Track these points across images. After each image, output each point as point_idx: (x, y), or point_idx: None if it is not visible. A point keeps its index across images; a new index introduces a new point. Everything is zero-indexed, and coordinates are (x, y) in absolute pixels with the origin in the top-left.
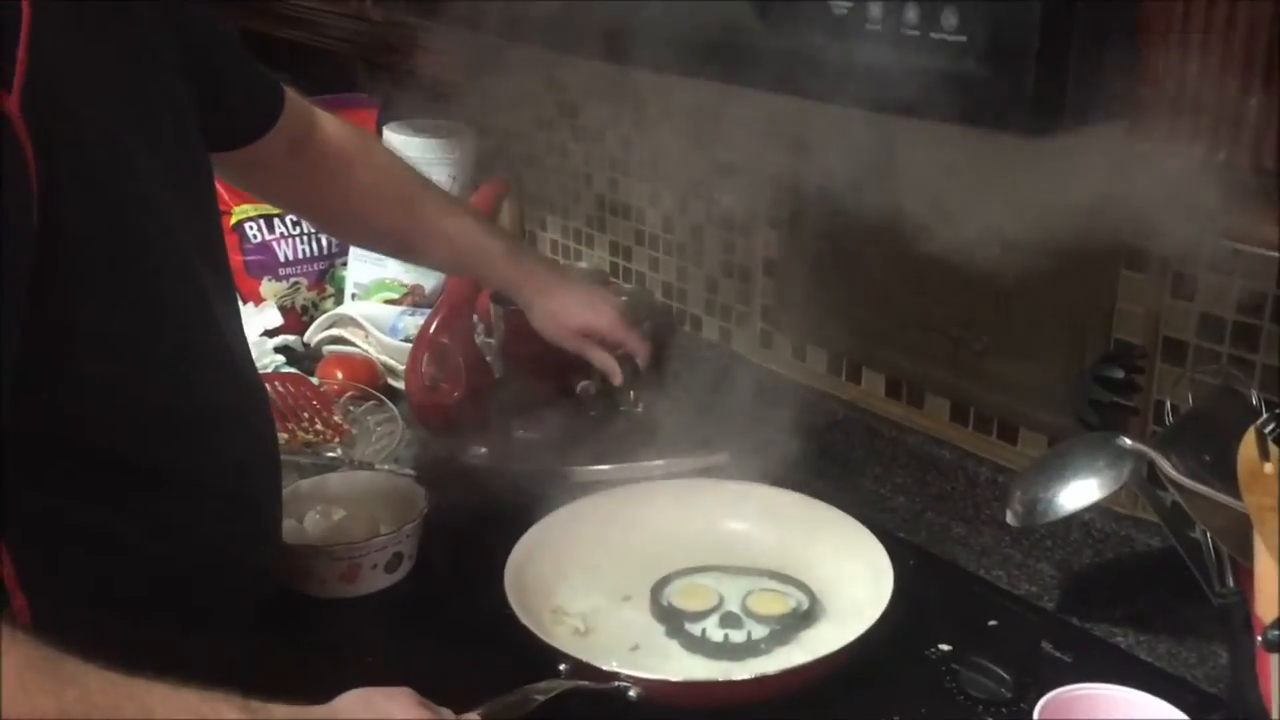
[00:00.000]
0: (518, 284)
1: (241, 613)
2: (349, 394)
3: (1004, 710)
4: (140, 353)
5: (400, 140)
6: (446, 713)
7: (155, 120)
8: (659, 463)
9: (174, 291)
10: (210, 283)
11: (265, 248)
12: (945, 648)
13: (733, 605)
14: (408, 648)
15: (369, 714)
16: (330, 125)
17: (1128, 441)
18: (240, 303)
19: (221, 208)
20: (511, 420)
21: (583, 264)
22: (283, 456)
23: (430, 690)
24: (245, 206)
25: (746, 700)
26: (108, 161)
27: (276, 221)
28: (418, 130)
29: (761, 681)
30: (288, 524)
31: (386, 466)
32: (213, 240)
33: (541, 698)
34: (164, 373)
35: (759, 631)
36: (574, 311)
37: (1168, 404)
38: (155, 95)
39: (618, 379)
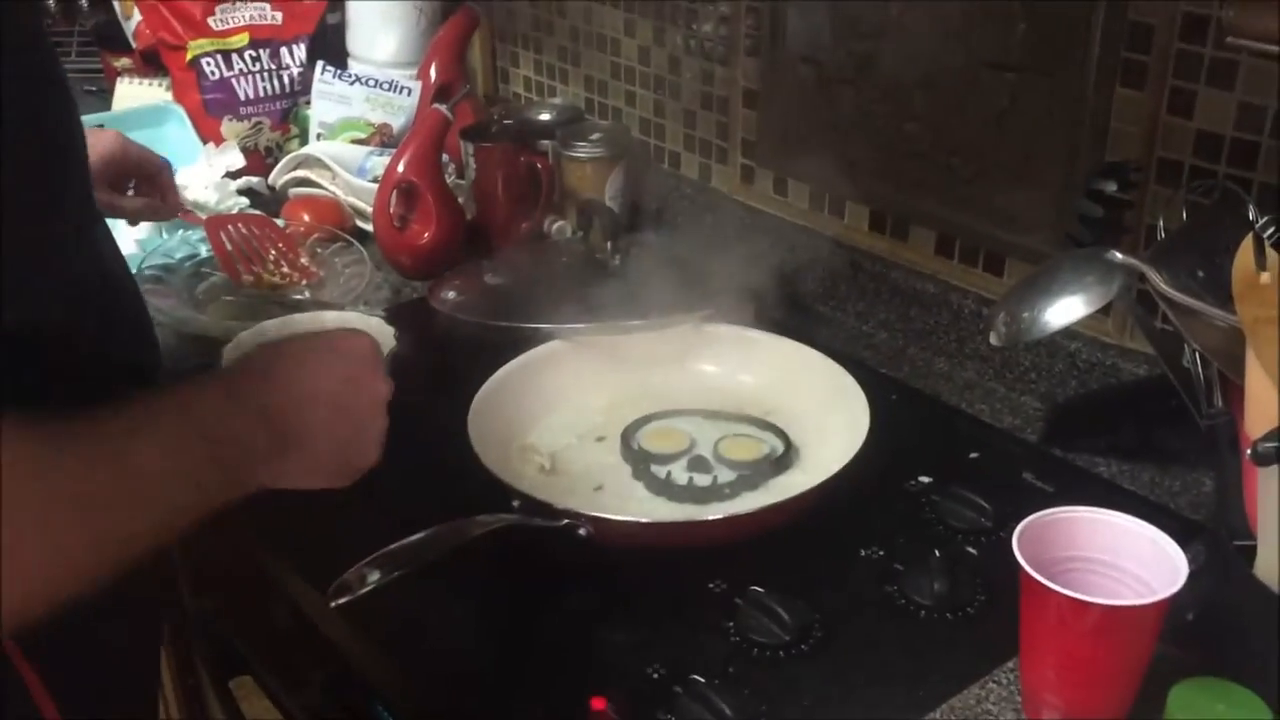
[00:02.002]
0: None
1: None
2: (316, 236)
3: (984, 540)
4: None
5: None
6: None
7: None
8: (638, 322)
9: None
10: None
11: (224, 85)
12: (925, 480)
13: (704, 450)
14: (374, 484)
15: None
16: None
17: (1118, 256)
18: (201, 144)
19: (175, 42)
20: (483, 263)
21: (557, 100)
22: (248, 299)
23: (393, 523)
24: (201, 41)
25: (698, 541)
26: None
27: (235, 57)
28: None
29: (712, 524)
30: None
31: (355, 309)
32: None
33: (479, 530)
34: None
35: (726, 476)
36: None
37: (1160, 225)
38: None
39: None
